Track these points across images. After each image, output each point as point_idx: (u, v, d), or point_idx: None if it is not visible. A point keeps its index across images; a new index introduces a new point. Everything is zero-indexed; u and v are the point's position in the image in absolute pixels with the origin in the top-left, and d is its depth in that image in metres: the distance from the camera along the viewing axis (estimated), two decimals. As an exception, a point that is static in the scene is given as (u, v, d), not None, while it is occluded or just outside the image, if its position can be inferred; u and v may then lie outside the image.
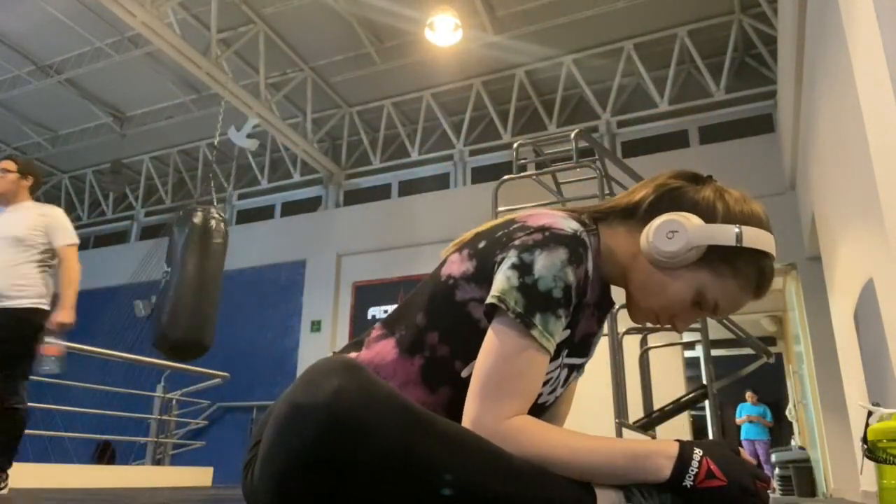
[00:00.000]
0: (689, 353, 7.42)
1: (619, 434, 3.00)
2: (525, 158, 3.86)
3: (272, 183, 9.72)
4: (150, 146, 9.81)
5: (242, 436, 7.85)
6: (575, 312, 0.96)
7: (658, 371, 3.68)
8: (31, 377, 3.25)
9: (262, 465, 0.82)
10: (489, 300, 0.89)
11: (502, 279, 0.89)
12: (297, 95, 8.32)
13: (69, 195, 10.99)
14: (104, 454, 7.57)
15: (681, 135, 7.62)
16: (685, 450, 0.83)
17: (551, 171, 3.62)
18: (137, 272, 9.45)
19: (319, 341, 8.14)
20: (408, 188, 8.85)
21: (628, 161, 5.39)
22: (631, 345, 3.33)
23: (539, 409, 1.02)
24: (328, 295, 8.37)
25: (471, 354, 0.93)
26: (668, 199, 0.98)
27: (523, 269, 0.88)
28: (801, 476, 6.49)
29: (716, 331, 3.48)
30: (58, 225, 3.16)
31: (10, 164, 3.18)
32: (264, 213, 9.66)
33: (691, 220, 0.94)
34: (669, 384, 5.49)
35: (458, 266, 0.97)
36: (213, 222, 5.47)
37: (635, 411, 3.12)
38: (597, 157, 3.46)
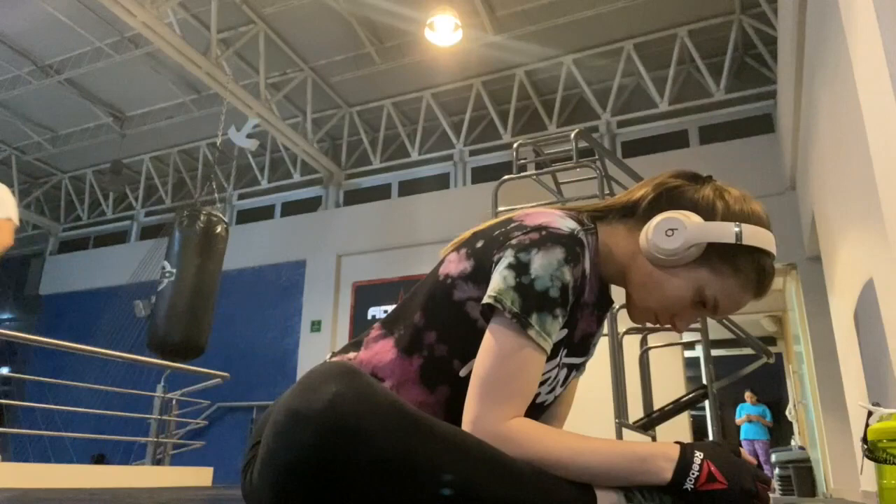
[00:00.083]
0: (689, 353, 7.42)
1: (619, 434, 3.00)
2: (525, 158, 3.86)
3: (272, 183, 9.72)
4: (150, 146, 9.81)
5: (242, 436, 7.86)
6: (573, 312, 0.96)
7: (658, 371, 3.68)
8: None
9: (260, 472, 0.82)
10: (485, 300, 0.89)
11: (499, 279, 0.89)
12: (297, 95, 8.32)
13: (69, 195, 10.99)
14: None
15: (681, 135, 7.62)
16: (686, 452, 0.83)
17: (551, 171, 3.62)
18: (137, 272, 9.45)
19: (319, 341, 8.14)
20: (408, 188, 8.85)
21: (628, 161, 5.38)
22: (631, 345, 3.33)
23: (538, 409, 1.02)
24: (328, 295, 8.37)
25: (469, 354, 0.93)
26: (667, 198, 0.98)
27: (520, 268, 0.88)
28: (801, 476, 6.49)
29: (716, 331, 3.48)
30: None
31: None
32: (264, 213, 9.67)
33: (691, 218, 0.93)
34: (669, 384, 5.49)
35: (455, 265, 0.97)
36: (212, 224, 5.47)
37: (635, 411, 3.12)
38: (597, 157, 3.46)
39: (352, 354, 1.04)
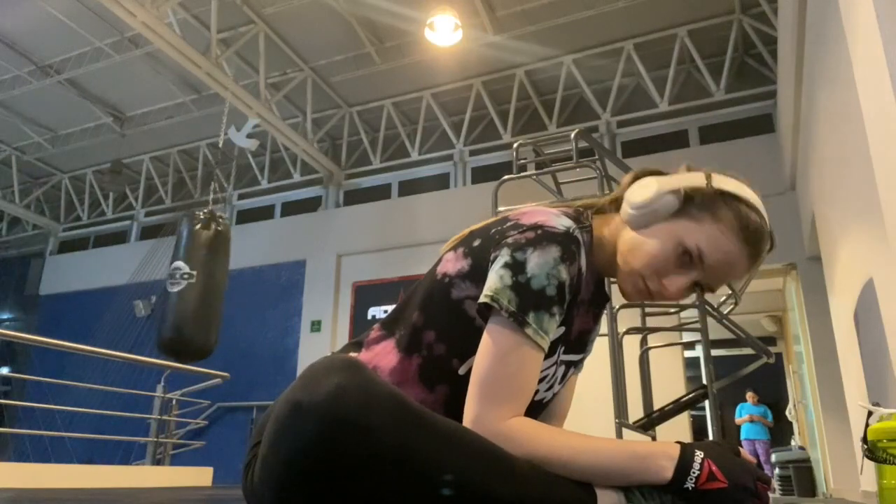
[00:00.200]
0: (689, 353, 7.42)
1: (619, 434, 3.00)
2: (525, 158, 3.86)
3: (272, 183, 9.72)
4: (150, 146, 9.81)
5: (242, 436, 7.85)
6: (569, 309, 0.96)
7: (658, 371, 3.68)
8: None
9: (262, 464, 0.82)
10: (482, 299, 0.89)
11: (495, 278, 0.89)
12: (297, 95, 8.32)
13: (69, 195, 10.99)
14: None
15: (681, 135, 7.61)
16: (686, 451, 0.83)
17: (551, 171, 3.62)
18: (137, 272, 9.45)
19: (319, 341, 8.14)
20: (408, 188, 8.85)
21: (628, 161, 5.39)
22: (631, 345, 3.33)
23: (537, 407, 1.02)
24: (328, 295, 8.37)
25: (467, 352, 0.93)
26: (645, 174, 1.03)
27: (516, 267, 0.88)
28: (801, 476, 6.49)
29: (716, 331, 3.48)
30: None
31: None
32: (264, 213, 9.66)
33: (662, 176, 0.98)
34: (669, 384, 5.49)
35: (453, 264, 0.98)
36: (222, 224, 5.48)
37: (635, 411, 3.12)
38: (597, 157, 3.46)
39: (352, 355, 1.04)
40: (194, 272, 5.27)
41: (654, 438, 3.02)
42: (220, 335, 5.51)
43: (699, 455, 0.83)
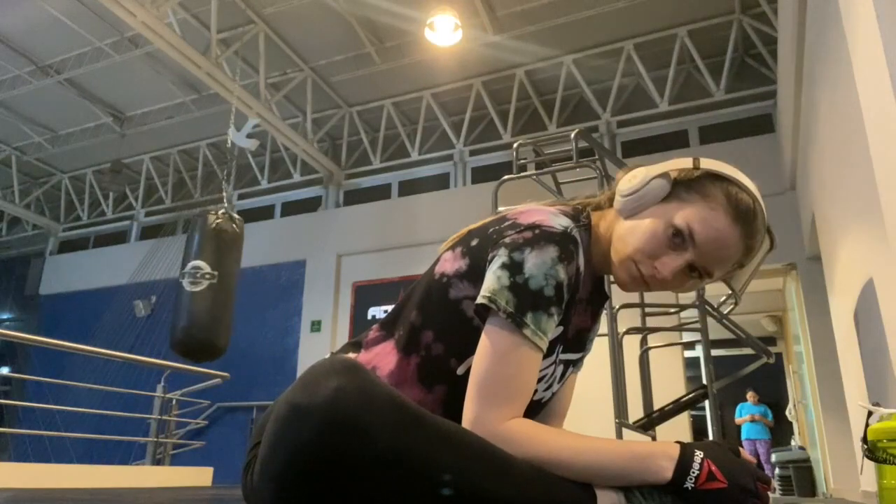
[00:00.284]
0: (689, 353, 7.42)
1: (619, 434, 3.00)
2: (525, 158, 3.86)
3: (272, 183, 9.72)
4: (150, 146, 9.81)
5: (242, 436, 7.85)
6: (567, 308, 0.96)
7: (658, 371, 3.68)
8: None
9: (261, 466, 0.82)
10: (480, 300, 0.89)
11: (493, 279, 0.89)
12: (297, 95, 8.32)
13: (69, 195, 10.99)
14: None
15: (681, 135, 7.61)
16: (686, 451, 0.83)
17: (551, 171, 3.63)
18: (137, 272, 9.45)
19: (319, 341, 8.14)
20: (408, 188, 8.85)
21: (628, 161, 5.38)
22: (631, 345, 3.33)
23: (536, 407, 1.02)
24: (328, 295, 8.37)
25: (465, 352, 0.93)
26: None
27: (514, 268, 0.88)
28: (801, 476, 6.49)
29: (716, 331, 3.48)
30: None
31: None
32: (264, 213, 9.66)
33: (649, 165, 0.99)
34: (669, 384, 5.49)
35: (451, 264, 0.97)
36: (235, 225, 5.46)
37: (635, 411, 3.12)
38: (597, 157, 3.47)
39: (351, 355, 1.04)
40: (215, 272, 5.24)
41: (654, 438, 3.02)
42: (224, 335, 5.49)
43: (699, 455, 0.83)
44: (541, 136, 4.92)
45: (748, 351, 3.35)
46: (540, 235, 0.90)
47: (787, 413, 8.61)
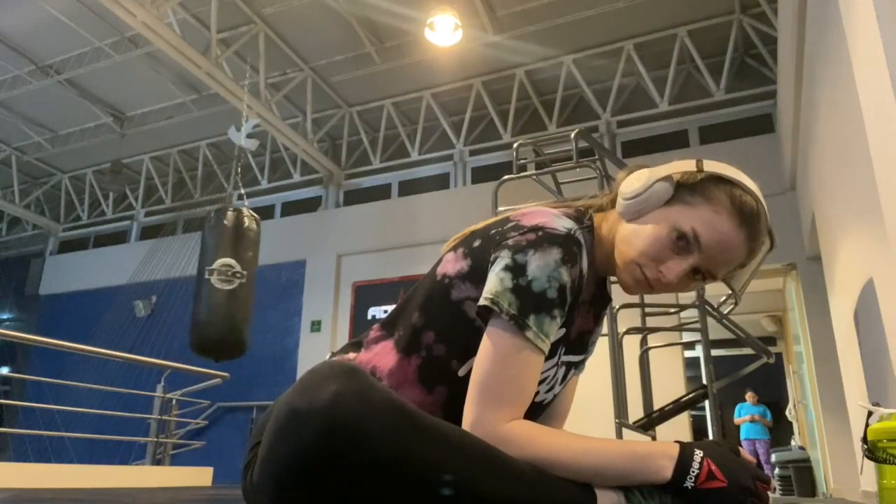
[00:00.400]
0: (689, 353, 7.42)
1: (619, 434, 3.00)
2: (525, 158, 3.87)
3: (272, 183, 9.72)
4: (150, 146, 9.81)
5: (242, 436, 7.85)
6: (570, 310, 0.96)
7: (658, 371, 3.68)
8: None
9: (260, 471, 0.82)
10: (482, 302, 0.89)
11: (495, 280, 0.89)
12: (297, 95, 8.32)
13: (69, 195, 10.98)
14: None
15: (681, 135, 7.61)
16: (686, 451, 0.83)
17: (551, 171, 3.63)
18: (137, 272, 9.46)
19: (319, 341, 8.13)
20: (408, 188, 8.85)
21: (628, 161, 5.38)
22: (631, 345, 3.33)
23: (537, 408, 1.02)
24: (328, 295, 8.37)
25: (467, 353, 0.93)
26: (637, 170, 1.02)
27: (517, 270, 0.88)
28: (801, 476, 6.49)
29: (716, 331, 3.48)
30: None
31: None
32: (264, 213, 9.61)
33: (652, 166, 0.98)
34: (669, 384, 5.49)
35: (453, 265, 0.97)
36: (252, 221, 5.43)
37: (635, 411, 3.12)
38: (597, 157, 3.47)
39: (351, 355, 1.04)
40: (244, 272, 5.22)
41: (654, 438, 3.02)
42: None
43: (698, 454, 0.83)
44: (541, 136, 4.92)
45: (748, 351, 3.35)
46: (543, 237, 0.90)
47: (787, 413, 8.61)
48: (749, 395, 8.48)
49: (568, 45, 7.48)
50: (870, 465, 1.82)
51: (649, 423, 2.95)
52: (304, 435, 0.74)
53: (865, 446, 1.75)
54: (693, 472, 0.81)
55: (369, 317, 8.04)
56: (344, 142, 9.24)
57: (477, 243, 0.96)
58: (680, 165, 0.97)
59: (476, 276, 0.93)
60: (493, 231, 0.96)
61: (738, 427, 8.47)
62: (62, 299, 10.34)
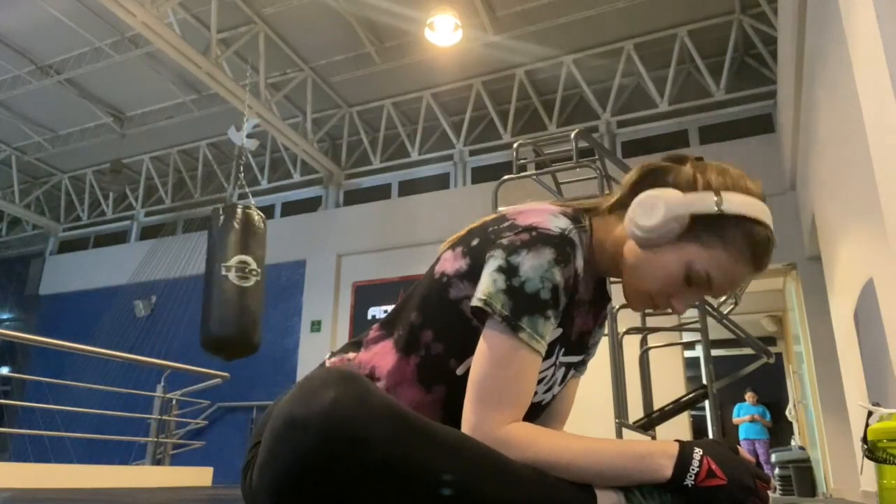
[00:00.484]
0: (689, 353, 7.42)
1: (619, 434, 3.00)
2: (525, 158, 3.86)
3: (272, 183, 9.72)
4: (150, 146, 9.81)
5: (242, 436, 7.86)
6: (570, 310, 0.95)
7: (658, 371, 3.68)
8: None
9: (259, 476, 0.82)
10: (475, 303, 0.88)
11: (489, 282, 0.88)
12: (297, 95, 8.32)
13: (69, 195, 10.98)
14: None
15: (681, 135, 7.61)
16: (685, 449, 0.83)
17: (551, 171, 3.62)
18: (137, 272, 9.46)
19: (319, 341, 8.14)
20: (408, 188, 8.85)
21: (628, 161, 5.39)
22: (631, 345, 3.33)
23: (536, 409, 1.02)
24: (328, 295, 8.37)
25: (465, 352, 0.93)
26: (649, 179, 0.98)
27: (510, 271, 0.88)
28: (801, 476, 6.49)
29: (716, 331, 3.48)
30: None
31: None
32: (264, 213, 9.62)
33: (668, 193, 0.92)
34: (669, 384, 5.49)
35: (451, 264, 0.97)
36: (263, 222, 5.43)
37: (635, 411, 3.12)
38: (597, 157, 3.47)
39: (351, 355, 1.04)
40: (259, 269, 5.21)
41: (654, 438, 3.02)
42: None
43: (698, 452, 0.83)
44: (541, 136, 4.92)
45: (748, 351, 3.36)
46: (536, 238, 0.89)
47: (787, 413, 8.61)
48: (748, 396, 8.48)
49: (568, 45, 7.48)
50: (870, 465, 1.82)
51: (649, 423, 2.95)
52: (303, 441, 0.74)
53: (865, 446, 1.75)
54: (693, 469, 0.81)
55: (369, 317, 8.04)
56: (344, 142, 9.24)
57: (475, 242, 0.96)
58: (698, 201, 0.91)
59: (474, 274, 0.93)
60: (490, 229, 0.95)
61: (737, 427, 8.47)
62: (62, 299, 10.34)
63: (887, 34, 2.44)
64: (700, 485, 0.81)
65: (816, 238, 5.53)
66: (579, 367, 1.12)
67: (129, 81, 8.22)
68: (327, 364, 1.06)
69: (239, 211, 5.33)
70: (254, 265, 5.17)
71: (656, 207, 0.91)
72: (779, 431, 8.76)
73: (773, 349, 6.42)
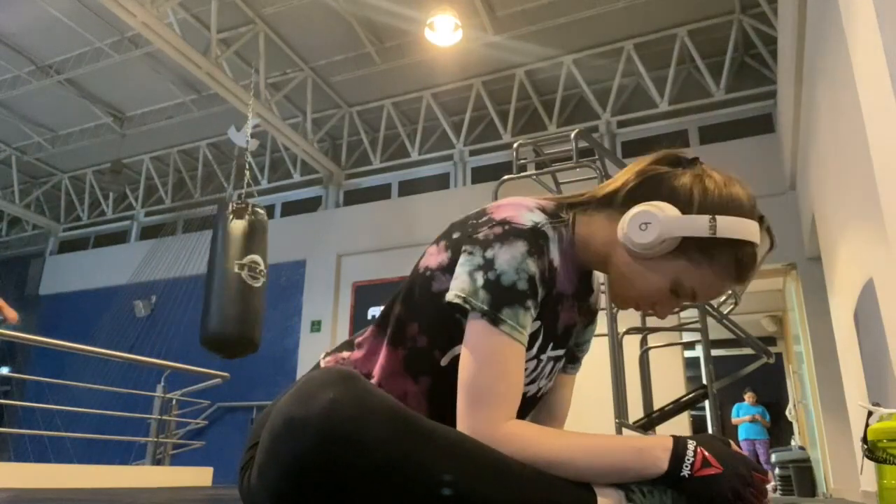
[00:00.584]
0: (689, 353, 7.42)
1: (619, 434, 3.00)
2: (525, 158, 3.86)
3: (272, 183, 9.72)
4: (150, 146, 9.81)
5: (242, 436, 7.83)
6: (554, 304, 0.97)
7: (658, 371, 3.68)
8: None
9: (258, 477, 0.82)
10: (453, 298, 0.89)
11: (465, 278, 0.89)
12: (297, 95, 8.32)
13: (69, 195, 10.98)
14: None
15: (681, 135, 7.61)
16: (680, 441, 0.85)
17: (551, 171, 3.63)
18: (137, 272, 9.45)
19: (319, 341, 8.14)
20: (408, 188, 8.85)
21: (628, 161, 5.38)
22: (631, 345, 3.33)
23: (525, 403, 1.01)
24: (328, 295, 8.37)
25: (449, 343, 0.95)
26: (646, 187, 0.97)
27: (485, 265, 0.89)
28: (801, 476, 6.49)
29: (716, 331, 3.48)
30: None
31: None
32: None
33: (665, 211, 0.92)
34: (669, 384, 5.49)
35: (434, 258, 0.99)
36: (264, 217, 5.41)
37: (635, 411, 3.12)
38: (597, 157, 3.47)
39: (345, 354, 1.05)
40: (265, 270, 5.21)
41: (653, 438, 3.01)
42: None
43: (692, 444, 0.84)
44: (541, 136, 4.93)
45: (748, 351, 3.35)
46: (509, 231, 0.91)
47: (787, 413, 8.61)
48: (747, 396, 8.48)
49: (568, 45, 7.48)
50: (870, 465, 1.82)
51: (649, 423, 2.95)
52: (302, 443, 0.74)
53: (865, 446, 1.76)
54: (688, 460, 0.82)
55: (369, 317, 8.04)
56: (344, 142, 9.24)
57: (456, 235, 0.97)
58: (692, 225, 0.91)
59: (455, 267, 0.94)
60: (469, 223, 0.97)
61: (737, 427, 8.47)
62: (62, 299, 10.34)
63: (887, 34, 2.44)
64: (696, 475, 0.82)
65: (816, 238, 5.53)
66: (572, 363, 1.12)
67: (129, 81, 8.22)
68: (322, 363, 1.06)
69: (250, 209, 5.31)
70: (262, 266, 5.17)
71: (651, 227, 0.92)
72: (779, 431, 8.76)
73: (773, 349, 6.43)
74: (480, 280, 0.88)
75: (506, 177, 3.47)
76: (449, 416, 0.87)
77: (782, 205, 6.37)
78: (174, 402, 5.39)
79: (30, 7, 6.88)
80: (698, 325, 3.21)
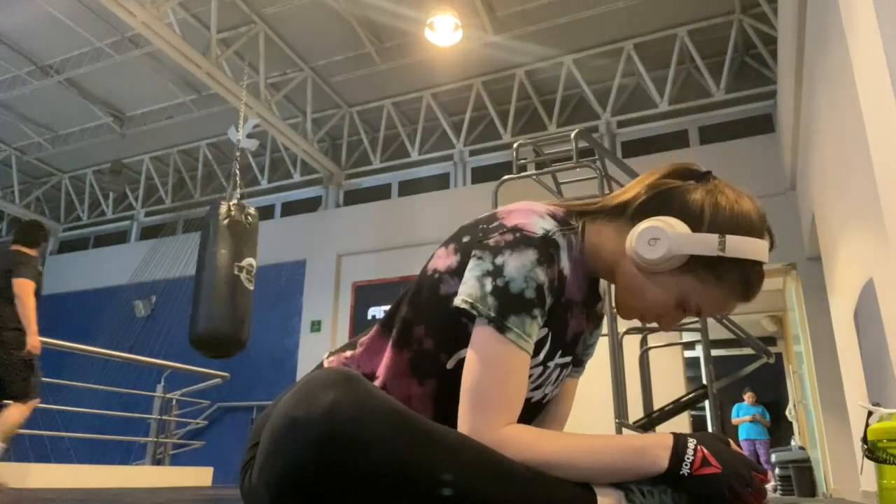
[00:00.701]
0: (689, 353, 7.42)
1: (619, 434, 3.00)
2: (525, 158, 3.87)
3: (272, 183, 9.72)
4: (150, 146, 9.81)
5: (242, 436, 7.84)
6: (564, 311, 0.96)
7: (658, 371, 3.68)
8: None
9: (258, 478, 0.82)
10: (461, 304, 0.89)
11: (474, 283, 0.89)
12: (297, 95, 8.32)
13: (69, 195, 10.99)
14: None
15: (681, 135, 7.61)
16: (680, 440, 0.85)
17: (551, 171, 3.63)
18: (137, 272, 9.45)
19: (319, 341, 8.13)
20: (408, 188, 8.85)
21: (628, 161, 5.38)
22: (631, 345, 3.33)
23: (527, 407, 1.02)
24: (328, 295, 8.36)
25: (455, 346, 0.94)
26: (657, 201, 0.96)
27: (494, 272, 0.89)
28: (801, 476, 6.48)
29: (716, 331, 3.48)
30: None
31: None
32: (264, 213, 9.61)
33: (674, 228, 0.91)
34: (669, 384, 5.49)
35: (443, 261, 0.98)
36: (247, 217, 5.42)
37: (635, 411, 3.12)
38: (597, 157, 3.47)
39: (348, 354, 1.05)
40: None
41: (654, 438, 3.01)
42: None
43: (692, 442, 0.84)
44: (541, 136, 4.93)
45: (748, 351, 3.35)
46: (520, 239, 0.90)
47: (787, 413, 8.61)
48: (747, 396, 8.48)
49: (568, 45, 7.48)
50: (870, 465, 1.82)
51: (649, 423, 2.95)
52: (302, 444, 0.74)
53: (865, 446, 1.76)
54: (688, 458, 0.82)
55: (369, 317, 8.04)
56: (344, 142, 9.24)
57: (466, 239, 0.97)
58: (701, 244, 0.91)
59: (464, 271, 0.94)
60: (480, 227, 0.97)
61: (736, 427, 8.47)
62: (62, 299, 10.34)
63: (887, 34, 2.44)
64: (696, 473, 0.82)
65: (816, 238, 5.53)
66: (576, 367, 1.12)
67: (129, 81, 8.22)
68: (325, 364, 1.06)
69: (247, 209, 5.33)
70: (255, 268, 5.19)
71: (660, 242, 0.91)
72: (779, 431, 8.76)
73: (773, 349, 6.43)
74: (489, 286, 0.88)
75: (506, 177, 3.47)
76: (453, 419, 0.87)
77: (782, 205, 6.37)
78: (174, 402, 5.40)
79: (30, 7, 6.88)
80: (698, 325, 3.21)
